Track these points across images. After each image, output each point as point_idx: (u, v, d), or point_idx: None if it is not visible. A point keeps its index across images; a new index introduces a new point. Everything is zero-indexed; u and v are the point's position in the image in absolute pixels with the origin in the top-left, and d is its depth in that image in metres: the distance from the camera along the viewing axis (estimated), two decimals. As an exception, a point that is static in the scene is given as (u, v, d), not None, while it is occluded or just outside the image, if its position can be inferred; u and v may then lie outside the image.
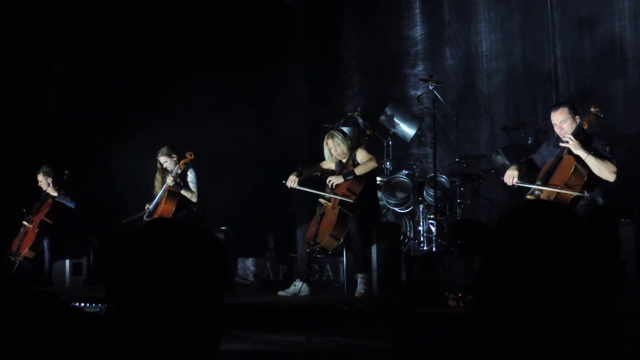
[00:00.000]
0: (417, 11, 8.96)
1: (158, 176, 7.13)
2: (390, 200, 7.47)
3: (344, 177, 6.11)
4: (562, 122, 5.25)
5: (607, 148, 5.18)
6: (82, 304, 4.91)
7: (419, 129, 7.75)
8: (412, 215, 7.57)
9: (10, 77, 8.02)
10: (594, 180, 5.09)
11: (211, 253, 1.33)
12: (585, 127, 5.24)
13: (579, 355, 1.19)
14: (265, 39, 9.10)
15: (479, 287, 1.29)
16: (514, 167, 5.32)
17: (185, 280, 1.28)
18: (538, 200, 4.55)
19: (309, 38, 9.63)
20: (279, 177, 8.88)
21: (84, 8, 8.22)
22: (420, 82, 8.14)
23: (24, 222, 7.63)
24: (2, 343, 1.24)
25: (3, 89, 7.99)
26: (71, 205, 7.63)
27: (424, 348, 3.47)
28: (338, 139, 6.21)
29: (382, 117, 7.77)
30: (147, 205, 7.06)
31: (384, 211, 7.53)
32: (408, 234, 7.52)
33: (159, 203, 7.01)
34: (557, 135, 5.34)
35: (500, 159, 7.02)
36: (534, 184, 5.23)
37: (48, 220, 7.58)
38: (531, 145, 7.09)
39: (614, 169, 5.02)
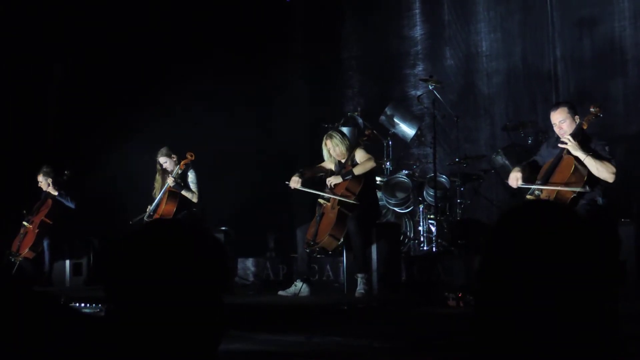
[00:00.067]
0: (417, 11, 8.96)
1: (158, 177, 7.13)
2: (390, 200, 7.47)
3: (343, 177, 6.11)
4: (561, 121, 5.26)
5: (607, 148, 5.19)
6: (82, 304, 4.92)
7: (419, 129, 7.75)
8: (412, 215, 7.57)
9: (10, 77, 8.02)
10: (593, 179, 5.09)
11: (211, 253, 1.33)
12: (585, 127, 5.24)
13: (579, 355, 1.19)
14: (265, 39, 9.11)
15: (479, 287, 1.29)
16: (517, 169, 5.32)
17: (185, 281, 1.28)
18: (538, 200, 4.54)
19: (309, 38, 9.63)
20: (279, 177, 8.88)
21: (84, 8, 8.22)
22: (420, 82, 8.14)
23: (24, 223, 7.63)
24: (2, 343, 1.24)
25: (3, 89, 7.99)
26: (71, 205, 7.63)
27: (424, 348, 3.48)
28: (337, 139, 6.22)
29: (382, 117, 7.77)
30: (149, 207, 7.06)
31: (384, 211, 7.53)
32: (408, 234, 7.52)
33: (159, 204, 7.01)
34: (557, 135, 5.34)
35: (500, 159, 7.02)
36: (534, 184, 5.23)
37: (48, 221, 7.58)
38: (531, 145, 7.09)
39: (613, 169, 5.02)
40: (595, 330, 1.20)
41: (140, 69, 8.38)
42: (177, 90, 8.11)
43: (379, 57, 9.19)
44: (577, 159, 5.11)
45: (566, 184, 5.10)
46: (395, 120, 7.74)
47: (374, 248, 6.12)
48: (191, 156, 6.99)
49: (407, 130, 7.75)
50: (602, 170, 5.03)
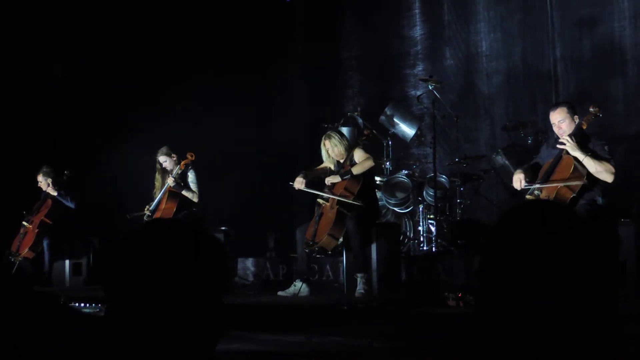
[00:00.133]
0: (417, 11, 8.96)
1: (158, 176, 7.13)
2: (390, 200, 7.47)
3: (341, 177, 6.12)
4: (560, 121, 5.26)
5: (606, 148, 5.19)
6: (82, 304, 4.92)
7: (418, 129, 7.75)
8: (412, 215, 7.57)
9: (11, 77, 8.02)
10: (593, 179, 5.09)
11: (210, 253, 1.33)
12: (584, 127, 5.24)
13: (579, 355, 1.19)
14: (265, 39, 9.11)
15: (479, 287, 1.29)
16: (519, 171, 5.33)
17: (185, 280, 1.28)
18: (538, 200, 4.54)
19: (309, 38, 9.63)
20: (279, 177, 8.90)
21: (84, 8, 8.22)
22: (420, 82, 8.14)
23: (24, 223, 7.62)
24: (2, 343, 1.24)
25: (3, 89, 7.99)
26: (71, 205, 7.63)
27: (424, 348, 3.48)
28: (335, 139, 6.23)
29: (382, 117, 7.77)
30: (148, 207, 7.06)
31: (383, 211, 7.53)
32: (408, 234, 7.52)
33: (159, 203, 7.01)
34: (556, 135, 5.34)
35: (500, 159, 7.02)
36: (535, 184, 5.23)
37: (48, 221, 7.58)
38: (531, 145, 7.09)
39: (612, 169, 5.02)
40: (595, 330, 1.20)
41: (140, 69, 8.38)
42: (177, 90, 8.11)
43: (379, 57, 9.19)
44: (576, 158, 5.11)
45: (566, 183, 5.10)
46: (395, 120, 7.74)
47: (373, 248, 6.12)
48: (191, 156, 6.99)
49: (407, 130, 7.75)
50: (601, 171, 5.03)
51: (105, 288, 1.30)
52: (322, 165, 6.43)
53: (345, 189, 6.11)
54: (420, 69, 8.83)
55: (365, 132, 6.72)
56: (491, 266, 1.27)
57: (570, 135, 5.17)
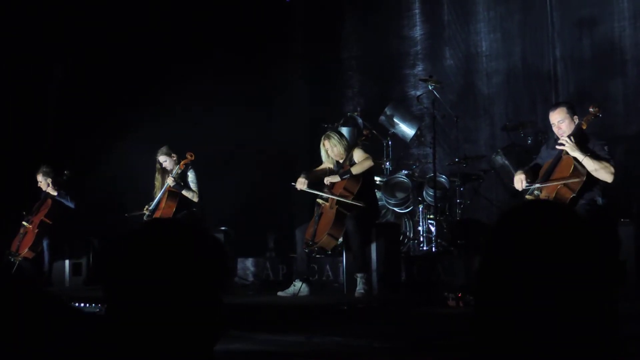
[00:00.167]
0: (417, 11, 8.96)
1: (158, 176, 7.13)
2: (390, 200, 7.47)
3: (341, 177, 6.12)
4: (560, 121, 5.26)
5: (606, 148, 5.19)
6: (82, 304, 4.92)
7: (418, 129, 7.75)
8: (412, 215, 7.57)
9: (10, 77, 8.02)
10: (593, 178, 5.09)
11: (209, 252, 1.33)
12: (584, 127, 5.24)
13: (579, 355, 1.19)
14: (265, 39, 9.10)
15: (479, 287, 1.29)
16: (520, 171, 5.34)
17: (183, 280, 1.28)
18: (537, 200, 4.55)
19: (309, 38, 9.63)
20: (279, 177, 8.91)
21: (84, 8, 8.21)
22: (420, 82, 8.14)
23: (24, 223, 7.62)
24: (2, 343, 1.24)
25: (3, 89, 7.99)
26: (71, 205, 7.63)
27: (424, 348, 3.48)
28: (334, 139, 6.23)
29: (382, 117, 7.77)
30: (147, 206, 7.06)
31: (383, 211, 7.53)
32: (408, 234, 7.52)
33: (159, 203, 7.01)
34: (556, 136, 5.34)
35: (499, 159, 7.02)
36: (534, 185, 5.23)
37: (48, 221, 7.58)
38: (531, 145, 7.10)
39: (612, 169, 5.02)
40: (595, 330, 1.20)
41: (140, 69, 8.38)
42: (177, 90, 8.11)
43: (379, 57, 9.19)
44: (576, 158, 5.11)
45: (566, 183, 5.10)
46: (395, 120, 7.74)
47: (373, 248, 6.12)
48: (191, 156, 6.99)
49: (407, 130, 7.75)
50: (601, 171, 5.03)
51: (105, 288, 1.30)
52: (322, 166, 6.43)
53: (345, 189, 6.11)
54: (420, 69, 8.83)
55: (365, 132, 6.72)
56: (491, 266, 1.27)
57: (569, 136, 5.17)
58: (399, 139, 7.91)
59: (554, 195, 5.10)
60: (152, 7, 8.46)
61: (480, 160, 7.55)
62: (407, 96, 8.79)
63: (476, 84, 8.44)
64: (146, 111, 7.98)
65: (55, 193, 7.60)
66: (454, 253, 6.76)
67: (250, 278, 7.49)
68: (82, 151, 8.12)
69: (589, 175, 5.07)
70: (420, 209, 7.39)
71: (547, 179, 5.19)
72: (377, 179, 7.49)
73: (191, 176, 7.06)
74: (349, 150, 6.26)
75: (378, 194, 7.30)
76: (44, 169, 7.67)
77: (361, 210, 6.03)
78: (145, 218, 6.99)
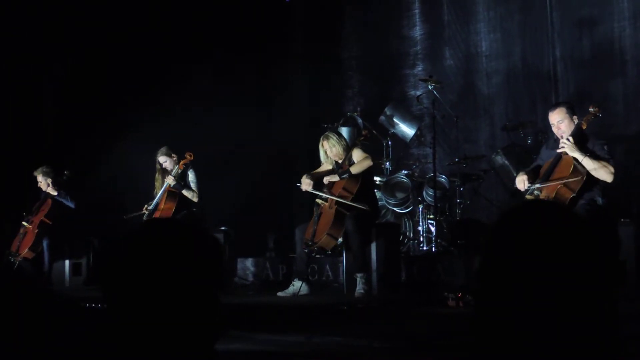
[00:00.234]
0: (417, 11, 8.97)
1: (158, 176, 7.13)
2: (390, 200, 7.47)
3: (340, 176, 6.12)
4: (559, 122, 5.26)
5: (605, 147, 5.19)
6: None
7: (418, 129, 7.75)
8: (412, 215, 7.57)
9: (10, 77, 8.02)
10: (593, 178, 5.09)
11: (206, 251, 1.33)
12: (584, 127, 5.24)
13: (579, 355, 1.19)
14: (265, 39, 9.11)
15: (479, 287, 1.29)
16: (523, 172, 5.34)
17: (182, 280, 1.28)
18: (537, 200, 4.55)
19: (309, 38, 9.63)
20: (279, 177, 8.92)
21: (84, 8, 8.22)
22: (420, 82, 8.14)
23: (24, 223, 7.62)
24: (2, 343, 1.24)
25: (3, 89, 7.99)
26: (71, 205, 7.63)
27: (424, 348, 3.48)
28: (333, 140, 6.23)
29: (382, 117, 7.77)
30: (146, 206, 7.06)
31: (383, 211, 7.53)
32: (408, 234, 7.52)
33: (158, 203, 7.01)
34: (555, 136, 5.34)
35: (499, 159, 7.02)
36: (534, 185, 5.23)
37: (47, 221, 7.58)
38: (531, 145, 7.09)
39: (612, 169, 5.02)
40: (595, 330, 1.20)
41: (140, 69, 8.38)
42: (177, 90, 8.11)
43: (379, 57, 9.19)
44: (576, 158, 5.11)
45: (565, 183, 5.10)
46: (395, 120, 7.74)
47: (373, 248, 6.12)
48: (190, 156, 6.98)
49: (407, 130, 7.75)
50: (600, 171, 5.03)
51: (104, 288, 1.31)
52: (321, 167, 6.43)
53: (344, 189, 6.11)
54: (420, 69, 8.83)
55: (364, 132, 6.72)
56: (491, 266, 1.27)
57: (569, 136, 5.17)
58: (398, 139, 7.91)
59: (553, 195, 5.10)
60: (152, 7, 8.46)
61: (480, 160, 7.55)
62: (407, 96, 8.79)
63: (476, 84, 8.44)
64: (146, 111, 7.98)
65: (55, 193, 7.60)
66: (454, 253, 6.76)
67: (250, 278, 7.49)
68: (82, 151, 8.12)
69: (588, 175, 5.07)
70: (420, 209, 7.39)
71: (546, 179, 5.19)
72: (377, 179, 7.49)
73: (191, 176, 7.06)
74: (347, 150, 6.26)
75: (378, 194, 7.30)
76: (44, 169, 7.67)
77: (361, 210, 6.03)
78: (144, 218, 6.99)
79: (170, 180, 6.93)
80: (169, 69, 8.31)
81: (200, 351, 1.30)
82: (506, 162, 6.91)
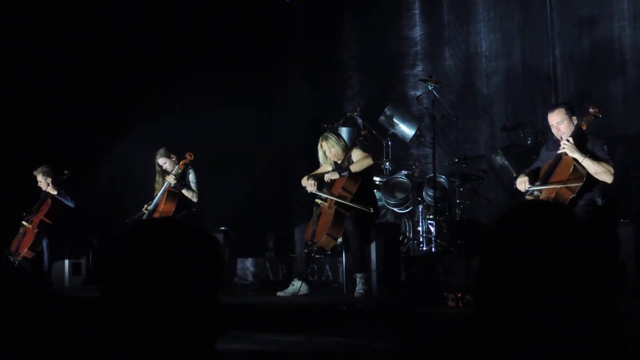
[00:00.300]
0: (417, 11, 8.97)
1: (158, 178, 7.12)
2: (390, 200, 7.47)
3: (340, 174, 6.13)
4: (558, 123, 5.26)
5: (605, 147, 5.19)
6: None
7: (418, 129, 7.75)
8: (412, 215, 7.57)
9: (10, 77, 8.01)
10: (593, 179, 5.09)
11: (204, 251, 1.33)
12: (584, 128, 5.24)
13: (579, 355, 1.19)
14: (265, 39, 9.11)
15: (478, 287, 1.29)
16: (523, 174, 5.36)
17: (181, 279, 1.28)
18: (537, 201, 4.55)
19: (309, 38, 9.64)
20: (279, 177, 8.92)
21: (84, 8, 8.21)
22: (420, 82, 8.14)
23: (23, 222, 7.62)
24: (2, 343, 1.24)
25: (3, 89, 7.99)
26: (70, 204, 7.63)
27: (424, 348, 3.48)
28: (332, 140, 6.24)
29: (382, 118, 7.77)
30: (146, 206, 7.06)
31: (382, 211, 7.53)
32: (407, 234, 7.52)
33: (158, 203, 7.01)
34: (555, 137, 5.34)
35: (499, 159, 7.02)
36: (534, 186, 5.23)
37: (47, 221, 7.57)
38: (530, 145, 7.10)
39: (612, 170, 5.02)
40: (595, 330, 1.20)
41: (140, 69, 8.38)
42: (177, 90, 8.11)
43: (379, 57, 9.20)
44: (576, 159, 5.11)
45: (565, 184, 5.10)
46: (395, 120, 7.74)
47: (373, 248, 6.12)
48: (190, 156, 6.98)
49: (407, 130, 7.75)
50: (600, 172, 5.03)
51: (103, 288, 1.31)
52: (320, 169, 6.43)
53: (344, 189, 6.11)
54: (419, 69, 8.83)
55: (363, 132, 6.72)
56: (490, 266, 1.27)
57: (569, 137, 5.17)
58: (398, 139, 7.91)
59: (553, 195, 5.10)
60: (152, 7, 8.46)
61: (479, 161, 7.55)
62: (407, 96, 8.79)
63: (476, 84, 8.44)
64: (146, 111, 7.98)
65: (55, 192, 7.60)
66: (453, 253, 6.76)
67: (250, 278, 7.49)
68: (82, 151, 8.11)
69: (588, 176, 5.07)
70: (420, 209, 7.40)
71: (546, 180, 5.19)
72: (376, 179, 7.49)
73: (191, 176, 7.06)
74: (347, 150, 6.26)
75: (378, 194, 7.31)
76: (44, 169, 7.67)
77: (360, 210, 6.03)
78: (144, 218, 6.99)
79: (171, 180, 6.93)
80: (169, 69, 8.31)
81: (200, 351, 1.30)
82: (506, 162, 6.91)
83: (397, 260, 6.36)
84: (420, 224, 7.39)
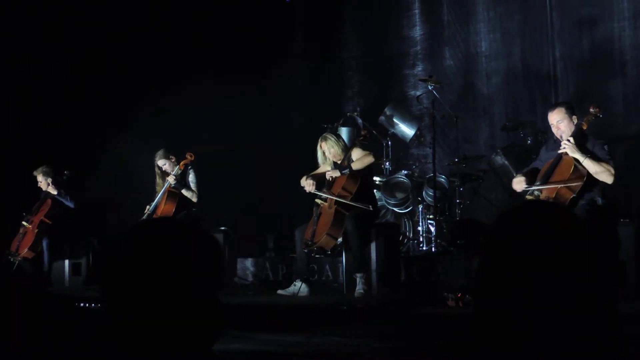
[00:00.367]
0: (417, 11, 8.97)
1: (159, 180, 7.10)
2: (390, 200, 7.47)
3: (341, 171, 6.13)
4: (558, 122, 5.26)
5: (605, 147, 5.19)
6: (82, 304, 4.92)
7: (418, 129, 7.75)
8: (412, 215, 7.57)
9: (10, 77, 8.01)
10: (593, 179, 5.09)
11: (203, 250, 1.33)
12: (585, 128, 5.24)
13: (579, 355, 1.20)
14: (265, 39, 9.10)
15: (478, 287, 1.29)
16: (520, 174, 5.36)
17: (180, 279, 1.28)
18: (536, 201, 4.55)
19: (309, 38, 9.64)
20: (279, 177, 8.92)
21: (84, 8, 8.22)
22: (420, 82, 8.14)
23: (23, 223, 7.62)
24: (2, 343, 1.24)
25: (3, 89, 7.99)
26: (70, 205, 7.63)
27: (424, 348, 3.48)
28: (332, 140, 6.24)
29: (382, 118, 7.77)
30: (148, 207, 7.06)
31: (382, 211, 7.53)
32: (407, 234, 7.52)
33: (159, 204, 7.00)
34: (555, 137, 5.34)
35: (499, 159, 7.02)
36: (535, 185, 5.23)
37: (47, 221, 7.57)
38: (530, 145, 7.10)
39: (612, 171, 5.02)
40: (595, 330, 1.20)
41: (140, 69, 8.38)
42: (177, 90, 8.11)
43: (379, 57, 9.20)
44: (576, 159, 5.11)
45: (566, 184, 5.10)
46: (395, 120, 7.74)
47: (373, 248, 6.12)
48: (190, 156, 6.98)
49: (407, 130, 7.75)
50: (601, 173, 5.03)
51: (103, 288, 1.31)
52: (319, 169, 6.43)
53: (344, 188, 6.11)
54: (419, 69, 8.83)
55: (363, 132, 6.71)
56: (490, 266, 1.27)
57: (569, 137, 5.17)
58: (398, 139, 7.91)
59: (554, 195, 5.10)
60: (152, 7, 8.46)
61: (479, 161, 7.55)
62: (407, 96, 8.79)
63: (476, 84, 8.44)
64: (146, 111, 7.98)
65: (55, 192, 7.59)
66: (453, 253, 6.76)
67: (250, 278, 7.49)
68: (82, 151, 8.11)
69: (589, 175, 5.07)
70: (420, 209, 7.40)
71: (547, 179, 5.19)
72: (376, 179, 7.49)
73: (191, 176, 7.06)
74: (346, 151, 6.26)
75: (378, 194, 7.31)
76: (44, 169, 7.67)
77: (360, 210, 6.03)
78: (144, 218, 6.99)
79: (171, 179, 6.92)
80: (169, 69, 8.31)
81: (199, 351, 1.30)
82: (506, 162, 6.91)
83: (397, 260, 6.36)
84: (420, 224, 7.39)
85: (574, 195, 5.09)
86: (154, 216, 6.91)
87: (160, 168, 7.08)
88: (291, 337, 3.90)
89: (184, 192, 6.98)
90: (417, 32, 8.93)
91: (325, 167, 6.37)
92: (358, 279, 5.91)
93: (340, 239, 6.17)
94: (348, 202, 6.05)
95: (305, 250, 6.06)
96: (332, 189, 6.17)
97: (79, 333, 1.26)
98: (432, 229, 7.23)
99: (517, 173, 5.52)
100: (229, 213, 8.04)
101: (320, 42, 9.51)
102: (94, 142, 8.12)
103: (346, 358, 3.54)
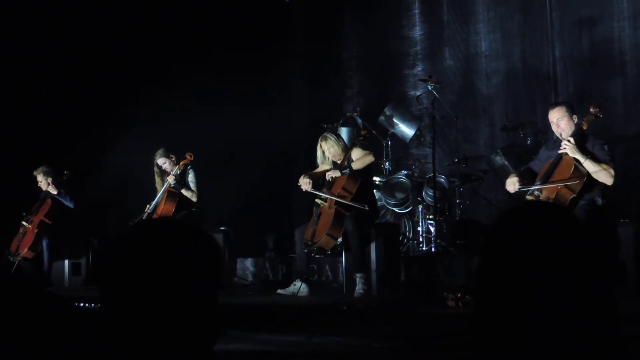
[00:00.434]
0: (417, 11, 8.97)
1: (158, 180, 7.10)
2: (390, 200, 7.47)
3: (341, 171, 6.13)
4: (559, 119, 5.26)
5: (605, 147, 5.19)
6: (81, 304, 4.92)
7: (418, 129, 7.75)
8: (411, 215, 7.57)
9: (10, 77, 8.01)
10: (593, 179, 5.09)
11: (203, 250, 1.33)
12: (585, 128, 5.24)
13: (579, 355, 1.20)
14: (265, 39, 9.10)
15: (478, 287, 1.29)
16: (513, 174, 5.36)
17: (180, 280, 1.28)
18: (536, 201, 4.55)
19: (309, 38, 9.64)
20: (279, 177, 8.92)
21: (84, 8, 8.22)
22: (420, 82, 8.14)
23: (23, 222, 7.62)
24: (2, 343, 1.24)
25: (3, 89, 7.99)
26: (70, 205, 7.63)
27: (424, 348, 3.48)
28: (332, 140, 6.24)
29: (382, 118, 7.77)
30: (148, 206, 7.05)
31: (382, 211, 7.53)
32: (407, 234, 7.52)
33: (158, 204, 7.00)
34: (555, 136, 5.34)
35: (499, 159, 7.02)
36: (534, 185, 5.23)
37: (47, 221, 7.58)
38: (530, 145, 7.09)
39: (612, 172, 5.03)
40: (595, 330, 1.20)
41: (141, 69, 8.38)
42: (177, 90, 8.11)
43: (379, 57, 9.20)
44: (576, 159, 5.11)
45: (566, 184, 5.10)
46: (395, 120, 7.74)
47: (373, 248, 6.12)
48: (190, 156, 6.98)
49: (407, 130, 7.75)
50: (601, 174, 5.04)
51: (102, 288, 1.31)
52: (319, 169, 6.43)
53: (343, 188, 6.11)
54: (419, 69, 8.84)
55: (363, 132, 6.72)
56: (490, 266, 1.27)
57: (570, 137, 5.17)
58: (398, 139, 7.91)
59: (554, 196, 5.10)
60: (152, 7, 8.46)
61: (479, 161, 7.55)
62: (407, 96, 8.79)
63: (476, 84, 8.45)
64: (146, 111, 7.98)
65: (55, 192, 7.60)
66: (453, 253, 6.76)
67: (250, 278, 7.49)
68: (82, 151, 8.11)
69: (589, 175, 5.07)
70: (420, 209, 7.40)
71: (547, 179, 5.19)
72: (376, 179, 7.49)
73: (191, 176, 7.05)
74: (346, 150, 6.27)
75: (377, 194, 7.31)
76: (44, 169, 7.67)
77: (360, 210, 6.03)
78: (144, 218, 6.99)
79: (170, 179, 6.92)
80: (169, 69, 8.31)
81: (199, 351, 1.30)
82: (506, 162, 6.91)
83: (397, 260, 6.36)
84: (420, 224, 7.39)
85: (574, 195, 5.09)
86: (154, 216, 6.91)
87: (159, 167, 7.08)
88: (291, 337, 3.90)
89: (184, 192, 6.98)
90: (417, 32, 8.93)
91: (324, 167, 6.37)
92: (358, 279, 5.91)
93: (340, 239, 6.17)
94: (348, 202, 6.05)
95: (305, 250, 6.06)
96: (332, 189, 6.17)
97: (78, 333, 1.26)
98: (432, 229, 7.23)
99: (510, 174, 5.52)
100: (229, 213, 8.04)
101: (320, 42, 9.51)
102: (94, 142, 8.12)
103: (346, 358, 3.54)
